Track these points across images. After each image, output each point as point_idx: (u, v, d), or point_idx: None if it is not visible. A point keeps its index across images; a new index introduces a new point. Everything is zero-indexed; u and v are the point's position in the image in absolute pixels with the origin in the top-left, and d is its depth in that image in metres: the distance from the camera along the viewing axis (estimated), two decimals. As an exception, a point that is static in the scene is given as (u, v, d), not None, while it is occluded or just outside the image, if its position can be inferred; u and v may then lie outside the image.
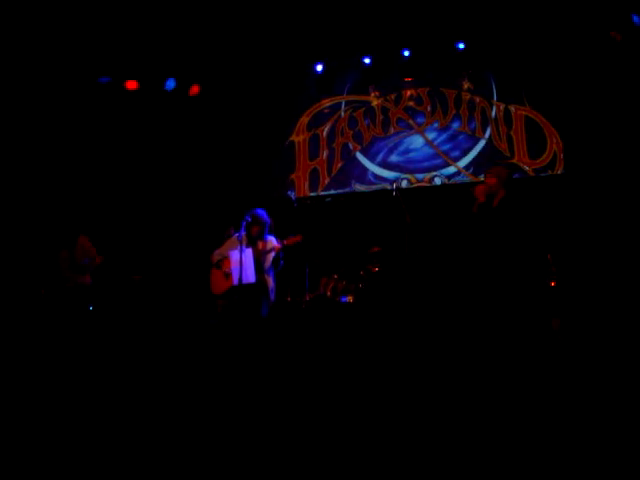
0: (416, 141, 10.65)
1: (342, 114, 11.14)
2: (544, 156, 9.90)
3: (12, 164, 10.02)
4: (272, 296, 7.57)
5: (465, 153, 10.33)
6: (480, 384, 4.09)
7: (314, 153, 11.22)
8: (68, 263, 8.23)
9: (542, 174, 9.87)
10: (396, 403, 3.82)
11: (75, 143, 10.80)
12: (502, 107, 10.24)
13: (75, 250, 8.32)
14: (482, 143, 10.27)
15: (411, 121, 10.71)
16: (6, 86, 9.81)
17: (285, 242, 7.37)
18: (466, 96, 10.45)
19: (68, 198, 10.12)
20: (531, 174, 9.90)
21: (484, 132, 10.28)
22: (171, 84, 10.76)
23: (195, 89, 11.07)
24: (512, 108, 10.16)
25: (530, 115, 10.04)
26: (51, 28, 9.39)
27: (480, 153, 10.25)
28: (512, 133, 10.12)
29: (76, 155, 10.79)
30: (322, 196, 11.04)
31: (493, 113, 10.30)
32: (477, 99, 10.40)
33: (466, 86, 10.48)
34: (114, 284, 9.67)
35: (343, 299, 8.47)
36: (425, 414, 3.59)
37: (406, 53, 10.35)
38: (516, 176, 9.59)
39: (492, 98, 10.32)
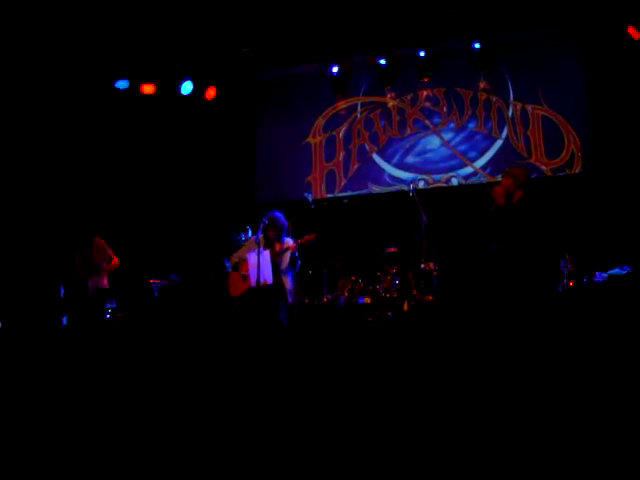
0: (432, 142, 10.63)
1: (358, 115, 11.14)
2: (561, 155, 9.85)
3: (29, 167, 10.10)
4: (290, 298, 7.59)
5: (482, 153, 10.30)
6: (494, 383, 4.08)
7: (330, 155, 11.22)
8: (84, 265, 8.26)
9: (560, 174, 9.82)
10: (410, 404, 3.82)
11: (90, 146, 10.88)
12: (519, 106, 10.21)
13: (91, 252, 8.36)
14: (499, 143, 10.23)
15: (427, 122, 10.69)
16: (24, 90, 9.89)
17: (300, 241, 7.39)
18: (482, 96, 10.42)
19: (84, 200, 10.19)
20: (548, 174, 9.85)
21: (501, 132, 10.25)
22: (187, 87, 10.80)
23: (212, 92, 11.11)
24: (529, 107, 10.12)
25: (547, 114, 10.00)
26: (67, 32, 9.45)
27: (497, 153, 10.22)
28: (529, 133, 10.08)
29: (94, 158, 10.87)
30: (339, 197, 11.05)
31: (510, 113, 10.26)
32: (493, 99, 10.37)
33: (482, 86, 10.45)
34: (132, 287, 9.72)
35: (361, 300, 8.47)
36: (439, 413, 3.59)
37: (422, 54, 10.33)
38: (533, 176, 9.55)
39: (508, 98, 10.29)
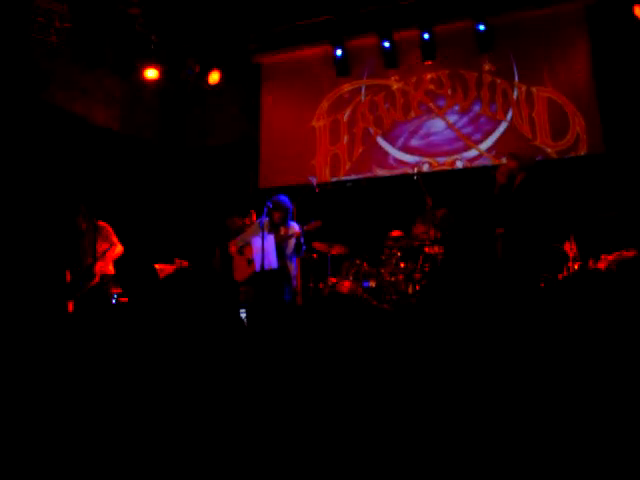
0: (437, 124, 10.59)
1: (362, 98, 11.09)
2: (567, 138, 9.80)
3: (34, 150, 10.09)
4: (294, 282, 7.60)
5: (486, 136, 10.26)
6: (498, 371, 4.07)
7: (335, 138, 11.19)
8: (90, 251, 8.27)
9: (565, 156, 9.77)
10: (414, 393, 3.82)
11: (93, 133, 10.88)
12: (524, 89, 10.15)
13: (96, 237, 8.36)
14: (504, 125, 10.18)
15: (432, 104, 10.64)
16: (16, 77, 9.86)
17: (305, 227, 7.39)
18: (487, 78, 10.36)
19: (88, 186, 10.18)
20: (554, 156, 9.81)
21: (505, 114, 10.19)
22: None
23: (215, 76, 11.07)
24: (534, 89, 10.06)
25: (552, 96, 9.94)
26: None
27: (502, 135, 10.17)
28: (534, 115, 10.03)
29: (97, 145, 10.87)
30: (343, 181, 11.03)
31: (514, 95, 10.20)
32: (498, 81, 10.31)
33: (487, 68, 10.39)
34: (137, 273, 9.74)
35: (365, 284, 8.47)
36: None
37: (426, 36, 10.27)
38: (539, 158, 9.52)
39: (513, 80, 10.22)
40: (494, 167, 8.51)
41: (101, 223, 8.42)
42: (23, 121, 9.43)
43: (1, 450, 3.19)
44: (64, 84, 10.00)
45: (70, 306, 8.39)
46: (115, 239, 8.42)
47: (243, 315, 7.39)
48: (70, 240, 8.45)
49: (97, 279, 8.29)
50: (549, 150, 9.84)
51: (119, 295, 9.22)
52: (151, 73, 10.60)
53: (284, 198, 7.53)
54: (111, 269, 8.46)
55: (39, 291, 9.01)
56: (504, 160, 7.78)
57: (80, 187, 9.99)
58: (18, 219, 9.34)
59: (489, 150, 10.20)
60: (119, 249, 8.41)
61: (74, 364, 5.31)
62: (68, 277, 8.43)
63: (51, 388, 4.39)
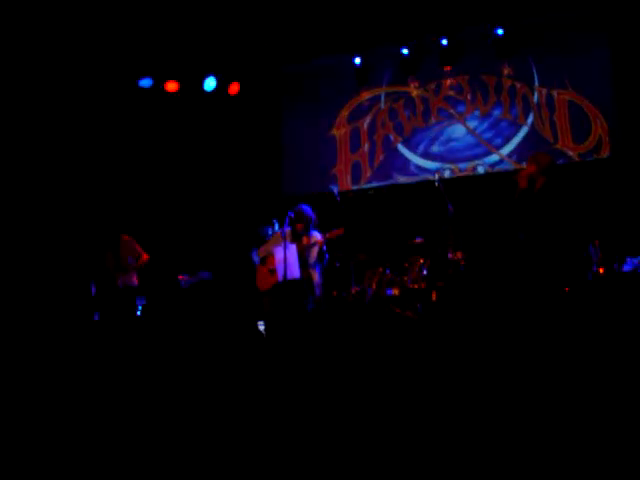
0: (457, 130, 10.55)
1: (382, 106, 11.09)
2: (589, 140, 9.73)
3: (58, 167, 10.21)
4: (318, 291, 7.61)
5: (507, 140, 10.20)
6: (524, 374, 4.05)
7: (355, 146, 11.20)
8: (113, 263, 8.35)
9: (588, 158, 9.70)
10: (437, 396, 3.81)
11: (117, 144, 10.98)
12: (544, 92, 10.09)
13: (119, 250, 8.44)
14: (525, 130, 10.13)
15: (452, 110, 10.62)
16: (48, 88, 9.98)
17: (327, 235, 7.40)
18: (507, 82, 10.32)
19: (112, 199, 10.28)
20: (576, 159, 9.74)
21: (526, 118, 10.14)
22: (211, 84, 10.84)
23: (235, 87, 11.13)
24: (554, 92, 10.00)
25: (573, 99, 9.88)
26: (89, 32, 9.54)
27: (523, 140, 10.11)
28: (555, 118, 9.96)
29: (121, 157, 10.97)
30: (364, 189, 11.03)
31: (535, 98, 10.15)
32: (518, 85, 10.26)
33: (506, 72, 10.35)
34: (161, 284, 9.81)
35: (388, 292, 8.46)
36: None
37: (444, 42, 10.25)
38: (561, 162, 9.46)
39: (534, 83, 10.17)
40: (516, 172, 8.47)
41: (125, 237, 8.51)
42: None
43: (16, 448, 3.23)
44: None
45: (96, 317, 8.48)
46: (140, 249, 8.50)
47: (262, 327, 7.40)
48: (95, 253, 8.53)
49: (121, 290, 8.37)
50: (571, 153, 9.78)
51: (143, 306, 9.30)
52: (171, 86, 10.72)
53: (306, 208, 7.56)
54: (135, 281, 8.53)
55: (66, 302, 9.11)
56: (525, 165, 7.75)
57: (104, 201, 10.10)
58: (45, 235, 9.47)
59: (510, 155, 10.15)
60: (144, 258, 8.48)
61: (100, 372, 5.36)
62: (93, 289, 8.52)
63: (81, 395, 4.43)
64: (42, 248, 9.60)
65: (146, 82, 10.70)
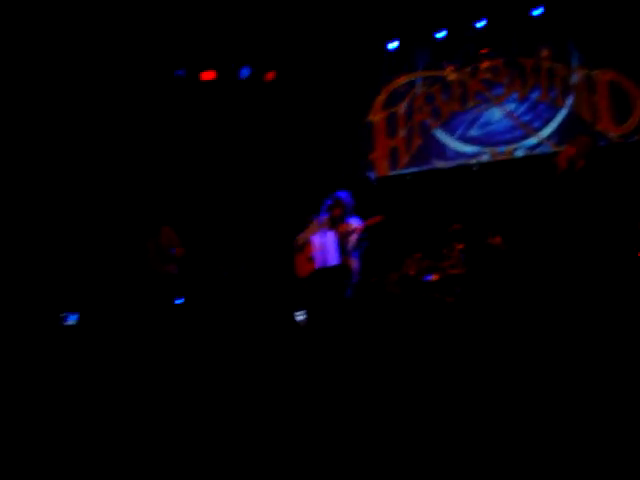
0: (495, 113, 10.44)
1: (418, 91, 11.02)
2: (630, 121, 9.56)
3: (101, 160, 10.35)
4: (356, 278, 7.62)
5: (546, 123, 10.07)
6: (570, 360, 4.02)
7: (392, 132, 11.16)
8: (155, 253, 8.45)
9: (629, 140, 9.54)
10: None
11: (156, 135, 11.09)
12: (583, 73, 9.92)
13: (160, 240, 8.54)
14: (564, 112, 9.98)
15: (489, 93, 10.51)
16: (88, 81, 10.11)
17: (366, 223, 7.41)
18: (545, 64, 10.17)
19: (152, 190, 10.40)
20: (617, 141, 9.58)
21: (565, 100, 9.99)
22: (246, 72, 10.87)
23: (271, 75, 11.15)
24: (594, 73, 9.83)
25: (613, 79, 9.70)
26: (126, 23, 9.63)
27: (562, 122, 9.96)
28: (595, 99, 9.80)
29: (157, 148, 11.08)
30: (402, 175, 10.99)
31: (574, 80, 9.99)
32: (557, 66, 10.10)
33: (545, 54, 10.18)
34: (200, 273, 9.91)
35: (427, 277, 8.45)
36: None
37: (480, 24, 10.13)
38: (601, 144, 9.31)
39: (572, 64, 10.00)
40: (555, 155, 8.36)
41: (165, 227, 8.61)
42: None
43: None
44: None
45: (138, 306, 8.61)
46: (178, 241, 8.60)
47: (302, 315, 7.44)
48: (137, 243, 8.65)
49: (163, 280, 8.48)
50: (612, 134, 9.61)
51: (183, 295, 9.40)
52: (207, 75, 10.77)
53: (344, 194, 7.57)
54: (175, 270, 8.63)
55: (108, 292, 9.27)
56: (565, 147, 7.65)
57: (143, 190, 10.23)
58: (87, 226, 9.63)
59: (549, 137, 10.02)
60: (181, 251, 8.58)
61: (143, 358, 5.45)
62: (136, 279, 8.64)
63: (121, 381, 4.52)
64: (86, 239, 9.76)
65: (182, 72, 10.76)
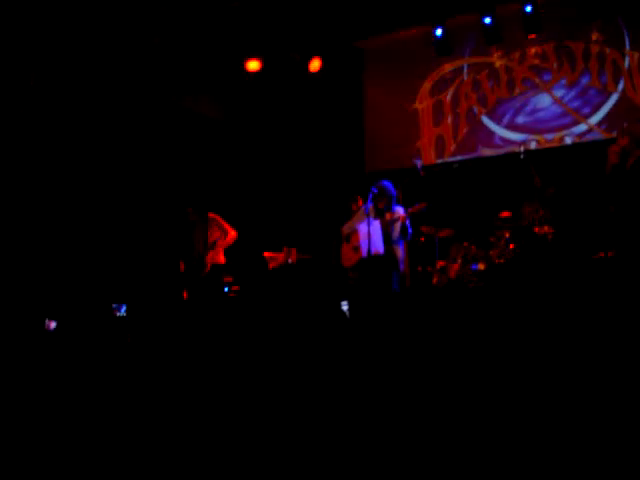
0: (543, 100, 10.27)
1: (465, 77, 10.91)
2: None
3: (145, 149, 10.48)
4: (402, 266, 7.60)
5: (596, 109, 9.87)
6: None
7: (438, 119, 11.08)
8: (202, 242, 8.54)
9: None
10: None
11: (204, 126, 11.20)
12: (636, 56, 9.68)
13: (207, 229, 8.62)
14: (615, 97, 9.77)
15: (537, 79, 10.34)
16: (135, 72, 10.23)
17: (410, 210, 7.38)
18: (595, 48, 9.95)
19: (199, 179, 10.51)
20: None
21: (616, 85, 9.77)
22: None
23: (316, 64, 11.12)
24: (647, 56, 9.60)
25: (668, 62, 9.47)
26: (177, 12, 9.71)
27: (613, 108, 9.75)
28: (648, 83, 9.58)
29: (208, 138, 11.20)
30: (449, 163, 10.90)
31: (626, 63, 9.76)
32: (607, 50, 9.87)
33: (595, 37, 9.97)
34: (247, 262, 9.99)
35: (474, 266, 8.38)
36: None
37: (528, 8, 9.93)
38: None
39: (624, 47, 9.76)
40: (606, 142, 8.22)
41: (211, 215, 8.69)
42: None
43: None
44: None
45: (184, 294, 8.72)
46: (227, 226, 8.67)
47: (346, 307, 7.44)
48: (183, 232, 8.76)
49: (209, 268, 8.57)
50: (667, 121, 9.38)
51: (230, 284, 9.50)
52: (253, 65, 10.79)
53: (388, 183, 7.54)
54: (222, 259, 8.72)
55: (156, 280, 9.40)
56: (616, 134, 7.49)
57: (189, 179, 10.34)
58: (136, 215, 9.77)
59: (599, 124, 9.83)
60: (232, 234, 8.65)
61: (189, 347, 5.52)
62: (182, 267, 8.75)
63: (171, 369, 4.59)
64: (134, 229, 9.91)
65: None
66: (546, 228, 7.99)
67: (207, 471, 2.96)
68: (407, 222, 7.38)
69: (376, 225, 7.31)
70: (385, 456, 2.90)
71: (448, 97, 11.01)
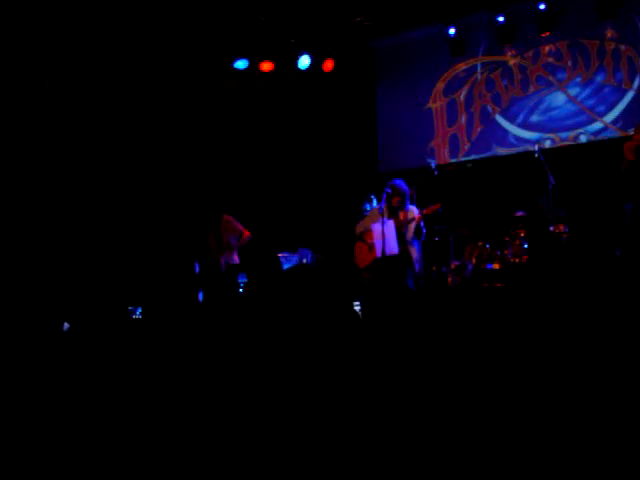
0: (558, 98, 10.22)
1: (478, 77, 10.86)
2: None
3: (160, 151, 10.53)
4: (417, 266, 7.58)
5: (612, 107, 9.80)
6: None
7: (452, 119, 11.04)
8: (215, 243, 8.55)
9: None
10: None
11: (216, 126, 11.23)
12: (652, 53, 9.62)
13: (221, 230, 8.63)
14: (630, 95, 9.69)
15: (551, 78, 10.28)
16: (147, 71, 10.27)
17: (424, 211, 7.36)
18: (610, 45, 9.88)
19: (213, 180, 10.54)
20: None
21: (632, 82, 9.69)
22: (305, 62, 10.88)
23: (329, 64, 11.12)
24: (663, 53, 9.53)
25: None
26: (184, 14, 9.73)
27: (629, 105, 9.67)
28: (664, 81, 9.51)
29: (220, 138, 11.22)
30: (463, 162, 10.87)
31: (642, 61, 9.69)
32: (622, 47, 9.80)
33: (609, 34, 9.89)
34: (261, 263, 9.99)
35: (489, 266, 8.34)
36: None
37: (541, 6, 9.87)
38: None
39: (639, 45, 9.71)
40: (621, 140, 8.16)
41: (226, 216, 8.70)
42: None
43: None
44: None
45: (200, 295, 8.73)
46: (241, 227, 8.68)
47: (358, 307, 7.42)
48: (197, 234, 8.77)
49: (224, 269, 8.58)
50: (682, 118, 9.30)
51: (245, 284, 9.51)
52: (266, 66, 10.83)
53: (401, 183, 7.52)
54: (236, 259, 8.72)
55: (171, 281, 9.43)
56: (632, 132, 7.45)
57: (203, 181, 10.38)
58: (150, 217, 9.81)
59: (615, 122, 9.75)
60: (246, 235, 8.65)
61: (203, 348, 5.52)
62: (197, 268, 8.76)
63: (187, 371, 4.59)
64: (148, 231, 9.95)
65: (241, 63, 10.82)
66: (561, 227, 7.95)
67: (225, 470, 2.96)
68: (422, 223, 7.37)
69: (390, 225, 7.30)
70: (399, 454, 2.88)
71: (462, 96, 10.97)
